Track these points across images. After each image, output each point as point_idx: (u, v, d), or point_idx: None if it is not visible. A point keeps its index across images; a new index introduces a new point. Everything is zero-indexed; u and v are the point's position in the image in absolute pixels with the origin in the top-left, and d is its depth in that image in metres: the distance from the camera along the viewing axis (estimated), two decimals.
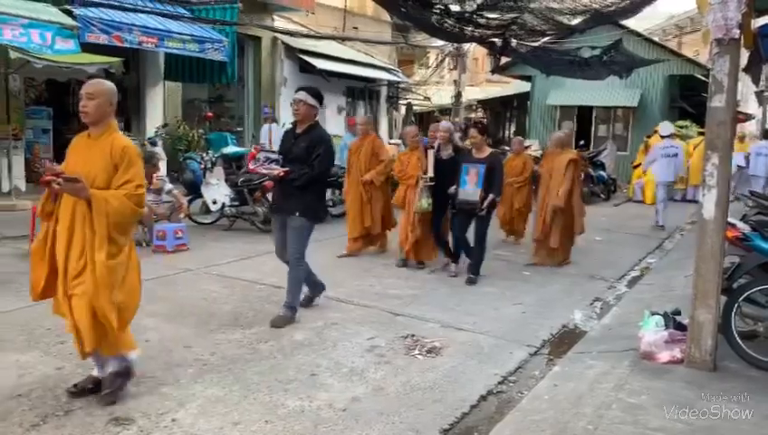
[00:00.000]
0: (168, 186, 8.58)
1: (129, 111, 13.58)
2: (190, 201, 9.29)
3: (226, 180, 9.39)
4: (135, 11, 11.23)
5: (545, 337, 5.16)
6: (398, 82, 21.79)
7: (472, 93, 28.68)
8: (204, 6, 13.18)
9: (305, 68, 16.57)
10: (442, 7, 8.41)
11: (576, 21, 9.32)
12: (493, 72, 22.40)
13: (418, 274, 7.09)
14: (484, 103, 29.32)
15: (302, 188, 5.04)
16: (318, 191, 5.32)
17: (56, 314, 3.55)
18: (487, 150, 6.89)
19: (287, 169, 5.11)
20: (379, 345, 4.71)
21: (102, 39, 10.24)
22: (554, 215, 7.54)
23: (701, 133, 14.12)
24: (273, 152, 10.31)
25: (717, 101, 4.09)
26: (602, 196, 14.93)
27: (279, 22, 16.79)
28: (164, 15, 11.74)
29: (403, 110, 24.97)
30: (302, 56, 16.45)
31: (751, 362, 4.23)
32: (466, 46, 21.02)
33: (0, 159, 10.51)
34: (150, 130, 12.88)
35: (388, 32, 22.03)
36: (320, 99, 5.22)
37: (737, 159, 12.56)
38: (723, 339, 4.27)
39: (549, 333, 5.27)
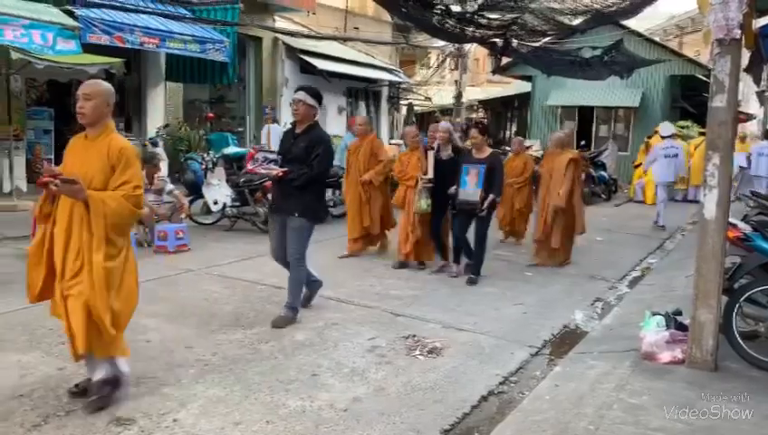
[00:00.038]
0: (170, 186, 8.58)
1: (130, 112, 13.60)
2: (191, 202, 9.30)
3: (227, 181, 9.40)
4: (136, 12, 11.24)
5: (546, 337, 5.16)
6: (399, 83, 21.79)
7: (473, 94, 28.70)
8: (205, 7, 13.20)
9: (306, 68, 16.58)
10: (443, 8, 8.42)
11: (577, 21, 9.33)
12: (494, 72, 22.41)
13: (419, 274, 7.08)
14: (485, 104, 29.33)
15: (301, 189, 5.03)
16: (317, 191, 5.31)
17: (53, 315, 3.52)
18: (487, 151, 6.89)
19: (286, 169, 5.11)
20: (380, 346, 4.71)
21: (104, 40, 10.25)
22: (555, 215, 7.53)
23: (702, 133, 14.11)
24: (272, 152, 10.32)
25: (718, 102, 4.09)
26: (603, 196, 14.93)
27: (280, 22, 16.80)
28: (165, 16, 11.75)
29: (404, 110, 24.98)
30: (302, 57, 16.46)
31: (752, 363, 4.23)
32: (467, 47, 21.05)
33: (1, 159, 10.54)
34: (151, 130, 12.90)
35: (389, 32, 22.04)
36: (319, 99, 5.21)
37: (739, 159, 12.57)
38: (724, 339, 4.27)
39: (550, 333, 5.27)
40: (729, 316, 4.30)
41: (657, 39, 21.74)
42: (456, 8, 8.50)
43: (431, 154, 7.08)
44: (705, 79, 16.93)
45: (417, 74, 27.18)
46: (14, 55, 8.95)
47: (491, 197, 6.56)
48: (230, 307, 5.54)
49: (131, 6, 11.35)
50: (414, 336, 4.93)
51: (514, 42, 10.47)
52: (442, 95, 26.54)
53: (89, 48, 9.92)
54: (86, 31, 9.97)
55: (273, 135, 12.47)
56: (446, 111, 26.50)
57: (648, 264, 8.34)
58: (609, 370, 4.21)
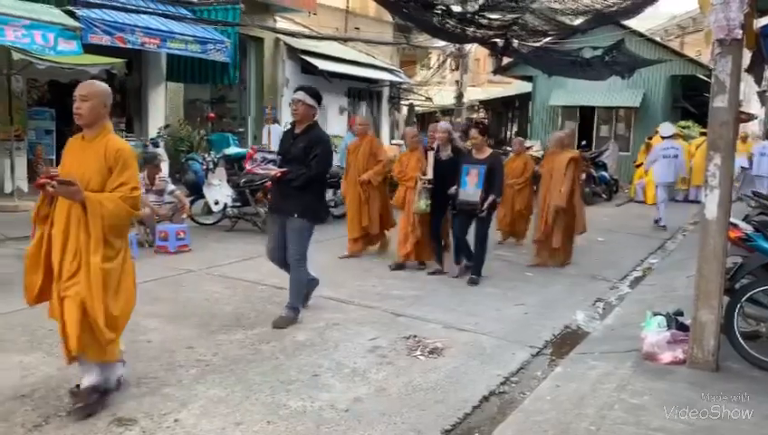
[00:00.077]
0: (171, 187, 8.59)
1: (131, 112, 13.62)
2: (192, 202, 9.30)
3: (228, 181, 9.39)
4: (137, 12, 11.25)
5: (547, 338, 5.15)
6: (400, 83, 21.80)
7: (474, 94, 28.70)
8: (206, 7, 13.21)
9: (307, 69, 16.58)
10: (443, 8, 8.42)
11: (578, 21, 9.33)
12: (494, 72, 22.47)
13: (420, 274, 7.08)
14: (486, 104, 29.32)
15: (300, 189, 5.01)
16: (317, 191, 5.28)
17: (51, 317, 3.50)
18: (488, 151, 6.87)
19: (284, 169, 5.09)
20: (381, 346, 4.71)
21: (105, 40, 10.26)
22: (556, 215, 7.52)
23: (703, 133, 14.12)
24: (271, 152, 10.31)
25: (720, 102, 4.09)
26: (604, 196, 14.92)
27: (281, 23, 16.81)
28: (166, 16, 11.76)
29: (405, 110, 24.98)
30: (303, 57, 16.47)
31: (753, 363, 4.22)
32: (468, 47, 21.05)
33: (3, 159, 10.54)
34: (153, 130, 12.91)
35: (390, 32, 22.04)
36: (318, 99, 5.18)
37: (740, 160, 12.58)
38: (725, 339, 4.27)
39: (551, 333, 5.27)
40: (730, 317, 4.30)
41: (658, 39, 21.72)
42: (456, 8, 8.50)
43: (431, 154, 7.07)
44: (706, 79, 16.91)
45: (417, 75, 27.18)
46: (16, 56, 8.96)
47: (491, 197, 6.55)
48: (231, 308, 5.54)
49: (132, 7, 11.35)
50: (415, 337, 4.93)
51: (515, 42, 10.47)
52: (443, 95, 26.53)
53: (90, 48, 9.93)
54: (87, 31, 9.97)
55: (273, 135, 12.48)
56: (446, 112, 26.51)
57: (649, 264, 8.34)
58: (611, 370, 4.21)
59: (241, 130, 15.68)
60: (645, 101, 18.59)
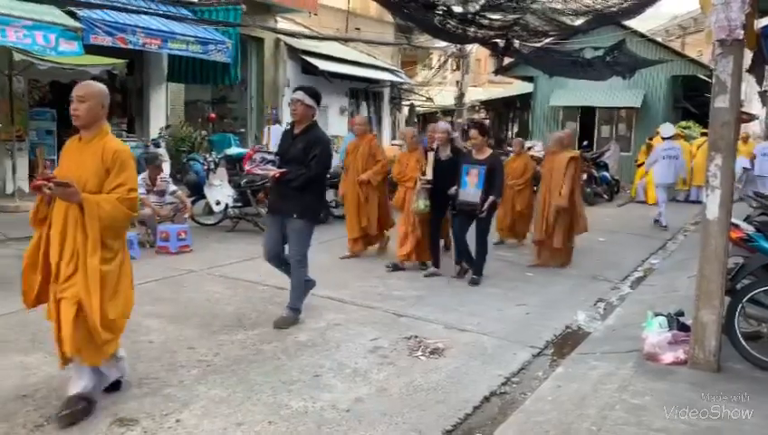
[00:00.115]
0: (172, 187, 8.60)
1: (132, 113, 13.64)
2: (193, 202, 9.31)
3: (229, 181, 9.40)
4: (138, 13, 11.26)
5: (548, 338, 5.15)
6: (401, 83, 21.80)
7: (474, 94, 28.70)
8: (207, 8, 13.21)
9: (308, 69, 16.59)
10: (445, 9, 8.42)
11: (579, 22, 9.33)
12: (495, 72, 22.48)
13: (421, 275, 7.07)
14: (487, 104, 29.32)
15: (299, 190, 4.99)
16: (317, 192, 5.26)
17: (49, 320, 3.46)
18: (488, 151, 6.84)
19: (283, 169, 5.07)
20: (383, 346, 4.71)
21: (106, 41, 10.26)
22: (557, 215, 7.51)
23: (704, 134, 14.13)
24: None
25: (721, 102, 4.09)
26: (605, 196, 14.92)
27: (282, 23, 16.82)
28: (167, 17, 11.76)
29: (406, 111, 24.99)
30: (304, 57, 16.47)
31: (755, 363, 4.22)
32: (469, 47, 21.07)
33: (4, 160, 10.57)
34: (154, 131, 12.92)
35: (391, 33, 22.04)
36: (317, 99, 5.15)
37: (742, 161, 12.60)
38: (726, 340, 4.27)
39: (552, 334, 5.27)
40: (732, 317, 4.29)
41: (659, 39, 21.71)
42: (457, 9, 8.51)
43: (431, 155, 7.04)
44: (707, 79, 16.91)
45: (418, 75, 27.15)
46: (17, 56, 8.99)
47: (491, 198, 6.52)
48: (232, 308, 5.54)
49: (133, 7, 11.36)
50: (416, 337, 4.93)
51: (516, 42, 10.47)
52: (444, 96, 26.53)
53: (91, 49, 9.93)
54: (88, 32, 9.97)
55: (273, 136, 12.48)
56: (447, 112, 26.51)
57: (650, 264, 8.33)
58: (612, 370, 4.21)
59: (242, 130, 15.70)
60: (646, 101, 18.59)
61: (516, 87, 25.28)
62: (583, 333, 5.36)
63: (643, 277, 7.55)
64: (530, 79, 20.58)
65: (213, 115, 14.76)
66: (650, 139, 14.75)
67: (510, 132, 26.49)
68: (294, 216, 5.01)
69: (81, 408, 3.35)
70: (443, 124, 7.62)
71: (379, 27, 21.25)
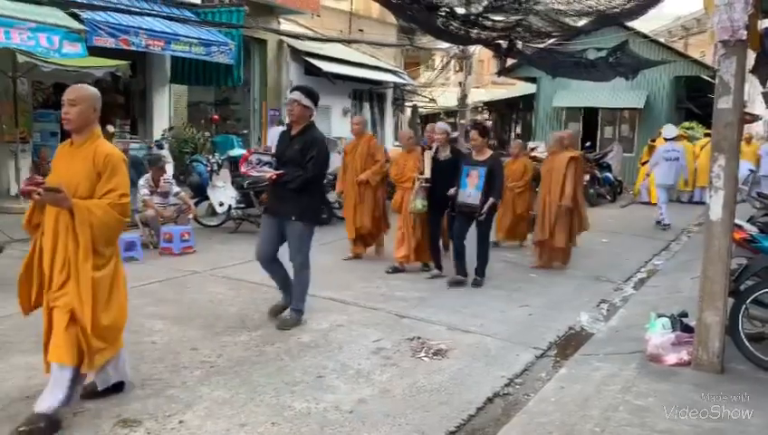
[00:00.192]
0: (176, 188, 8.62)
1: (135, 114, 13.66)
2: (197, 204, 9.33)
3: (232, 183, 9.41)
4: (141, 14, 11.29)
5: (552, 339, 5.15)
6: (404, 85, 21.80)
7: (477, 95, 28.70)
8: (210, 10, 13.24)
9: (311, 70, 16.62)
10: (447, 10, 8.41)
11: (582, 22, 9.31)
12: (498, 74, 22.45)
13: (424, 276, 7.07)
14: (490, 105, 29.31)
15: (297, 191, 4.96)
16: (315, 193, 5.23)
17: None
18: (488, 153, 6.78)
19: (279, 171, 5.05)
20: (386, 347, 4.72)
21: (109, 42, 10.30)
22: (558, 215, 7.48)
23: (707, 135, 14.11)
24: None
25: (724, 103, 4.08)
26: (608, 197, 14.90)
27: (285, 25, 16.85)
28: (170, 19, 11.79)
29: (409, 112, 25.00)
30: (307, 59, 16.50)
31: (759, 365, 4.21)
32: (472, 48, 21.06)
33: (8, 161, 10.60)
34: (157, 132, 12.94)
35: (394, 34, 22.07)
36: (315, 99, 5.10)
37: (747, 164, 12.62)
38: (730, 341, 4.26)
39: (555, 335, 5.26)
40: (735, 318, 4.29)
41: (662, 40, 21.69)
42: (460, 10, 8.50)
43: (428, 154, 6.99)
44: (710, 80, 16.88)
45: (421, 76, 27.18)
46: (21, 58, 9.01)
47: (491, 200, 6.48)
48: (235, 309, 5.55)
49: (136, 9, 11.39)
50: (419, 338, 4.94)
51: (519, 43, 10.45)
52: (446, 97, 26.54)
53: (94, 51, 9.97)
54: (92, 34, 10.01)
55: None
56: (450, 113, 26.51)
57: (653, 265, 8.32)
58: (615, 372, 4.20)
59: (245, 131, 15.72)
60: (649, 102, 18.56)
61: (519, 88, 25.27)
62: (586, 334, 5.35)
63: (646, 278, 7.54)
64: (533, 80, 20.56)
65: (216, 117, 14.78)
66: (653, 140, 14.72)
67: (513, 133, 26.47)
68: (293, 218, 4.99)
69: (41, 427, 3.19)
70: (442, 125, 7.55)
71: (382, 29, 21.27)
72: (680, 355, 4.28)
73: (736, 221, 4.32)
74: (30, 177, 3.47)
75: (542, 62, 12.59)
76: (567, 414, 3.57)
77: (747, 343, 4.28)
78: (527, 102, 23.50)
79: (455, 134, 7.60)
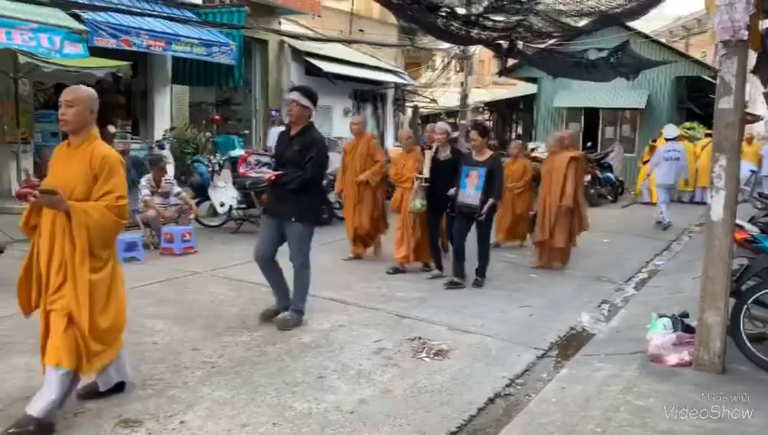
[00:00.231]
0: (177, 189, 8.62)
1: (136, 115, 13.68)
2: (198, 204, 9.33)
3: (234, 183, 9.42)
4: (142, 15, 11.30)
5: (553, 340, 5.15)
6: (405, 85, 21.80)
7: (478, 95, 28.70)
8: (211, 10, 13.25)
9: (312, 71, 16.62)
10: (448, 10, 8.41)
11: (582, 23, 9.31)
12: (499, 74, 22.45)
13: (424, 276, 7.07)
14: (491, 105, 29.31)
15: (296, 192, 4.95)
16: (314, 194, 5.21)
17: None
18: (488, 153, 6.75)
19: (278, 172, 5.04)
20: (387, 348, 4.71)
21: (110, 43, 10.31)
22: (558, 215, 7.47)
23: (708, 135, 14.10)
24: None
25: (725, 103, 4.08)
26: (609, 197, 14.90)
27: (286, 25, 16.86)
28: (171, 19, 11.80)
29: (410, 112, 25.00)
30: (308, 59, 16.51)
31: (760, 365, 4.21)
32: (473, 49, 21.04)
33: (10, 162, 10.60)
34: (158, 133, 12.95)
35: (395, 34, 22.07)
36: (313, 99, 5.08)
37: (749, 164, 12.61)
38: (731, 342, 4.25)
39: (556, 335, 5.26)
40: (737, 318, 4.29)
41: (663, 40, 21.68)
42: (461, 11, 8.50)
43: (428, 153, 6.97)
44: (711, 80, 16.87)
45: (422, 76, 27.19)
46: (22, 59, 9.02)
47: (490, 201, 6.47)
48: (236, 309, 5.55)
49: (137, 10, 11.40)
50: (420, 338, 4.93)
51: (520, 44, 10.45)
52: (447, 97, 26.54)
53: (95, 51, 9.98)
54: (93, 34, 10.02)
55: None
56: (451, 113, 26.51)
57: (654, 265, 8.31)
58: (616, 372, 4.20)
59: (246, 132, 15.73)
60: (650, 102, 18.55)
61: (520, 88, 25.27)
62: (587, 334, 5.35)
63: (647, 278, 7.53)
64: (533, 80, 20.56)
65: (217, 117, 14.79)
66: (654, 140, 14.72)
67: (514, 134, 26.46)
68: (293, 219, 4.99)
69: (30, 431, 3.15)
70: (442, 124, 7.53)
71: (383, 29, 21.28)
72: (681, 356, 4.28)
73: (738, 221, 4.31)
74: (26, 179, 3.45)
75: (543, 62, 12.59)
76: (568, 415, 3.56)
77: (748, 344, 4.27)
78: (528, 103, 23.51)
79: (455, 134, 7.58)
